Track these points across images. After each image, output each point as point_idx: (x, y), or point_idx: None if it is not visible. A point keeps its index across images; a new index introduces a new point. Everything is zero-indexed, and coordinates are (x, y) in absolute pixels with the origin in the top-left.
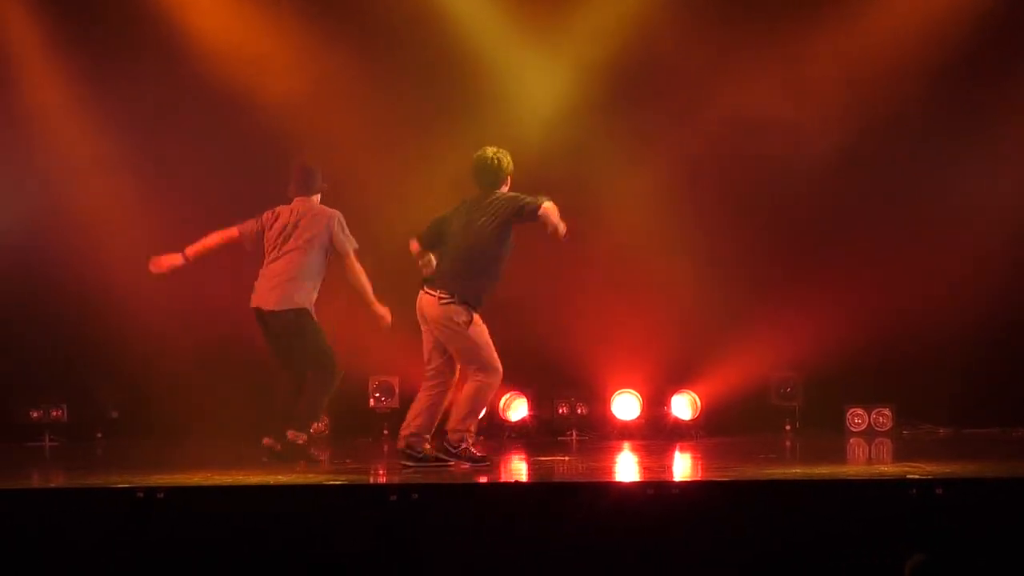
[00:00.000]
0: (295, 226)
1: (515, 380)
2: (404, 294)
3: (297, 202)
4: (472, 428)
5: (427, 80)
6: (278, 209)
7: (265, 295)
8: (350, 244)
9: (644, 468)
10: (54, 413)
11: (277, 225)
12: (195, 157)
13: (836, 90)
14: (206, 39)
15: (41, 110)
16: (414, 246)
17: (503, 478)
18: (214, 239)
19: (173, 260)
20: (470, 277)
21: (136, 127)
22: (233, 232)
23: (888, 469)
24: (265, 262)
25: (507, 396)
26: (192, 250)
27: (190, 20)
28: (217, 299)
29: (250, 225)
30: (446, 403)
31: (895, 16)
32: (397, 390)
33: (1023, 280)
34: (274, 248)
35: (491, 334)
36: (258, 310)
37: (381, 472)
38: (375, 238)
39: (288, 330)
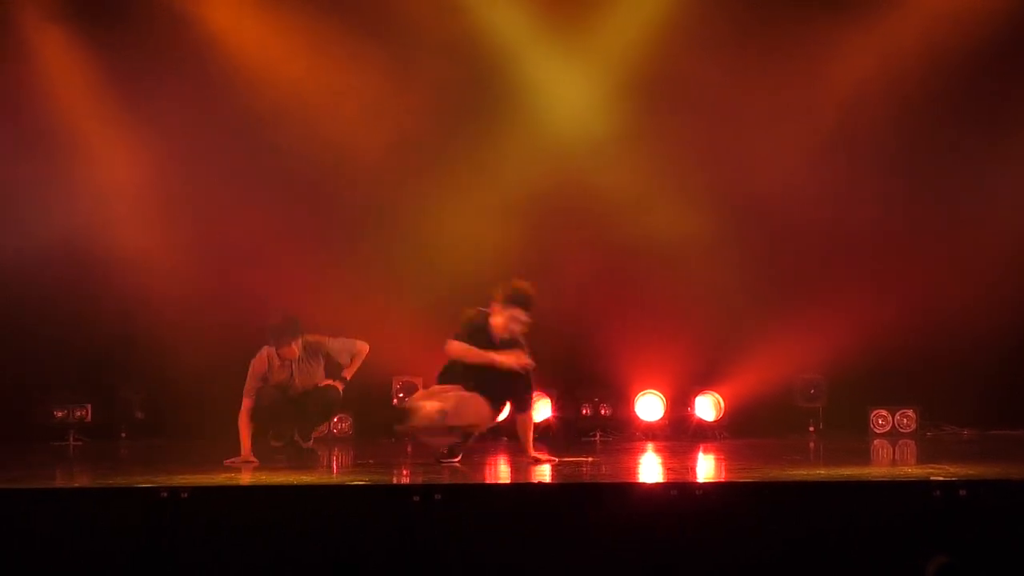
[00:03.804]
0: None
1: (539, 381)
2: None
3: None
4: None
5: (461, 101)
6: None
7: None
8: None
9: (668, 469)
10: (79, 413)
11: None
12: (226, 172)
13: (859, 94)
14: (243, 61)
15: (79, 128)
16: None
17: (527, 479)
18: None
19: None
20: None
21: (171, 142)
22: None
23: (912, 471)
24: None
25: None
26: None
27: (227, 42)
28: (242, 301)
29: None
30: None
31: (925, 18)
32: (421, 390)
33: None
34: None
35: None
36: None
37: (404, 472)
38: (408, 253)
39: None
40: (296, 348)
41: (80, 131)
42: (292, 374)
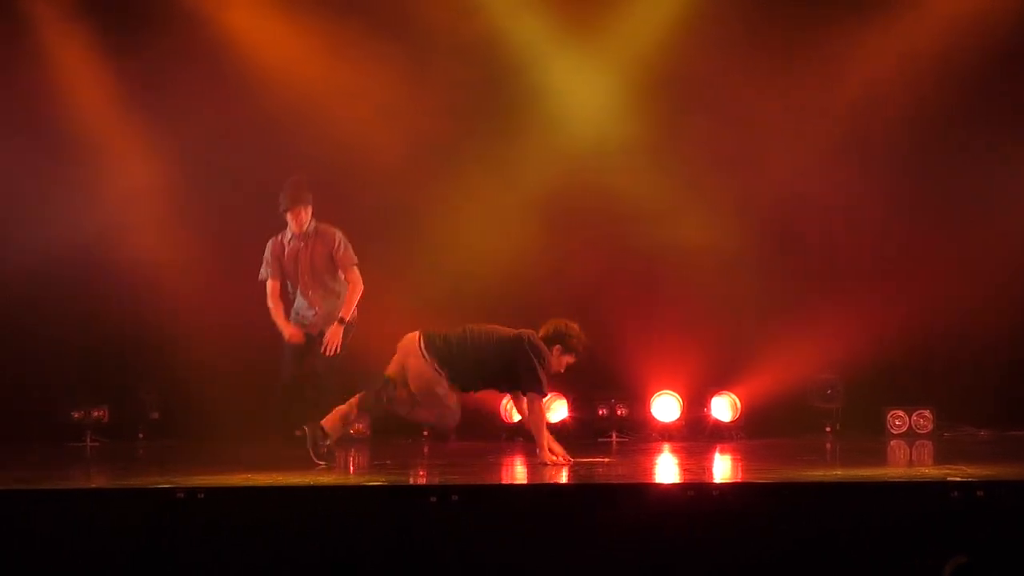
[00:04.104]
0: None
1: (555, 382)
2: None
3: None
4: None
5: (477, 102)
6: None
7: None
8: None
9: (684, 470)
10: (96, 413)
11: None
12: (241, 174)
13: (874, 95)
14: (260, 63)
15: (96, 131)
16: None
17: (543, 480)
18: None
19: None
20: None
21: (188, 144)
22: None
23: (929, 471)
24: None
25: (547, 398)
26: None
27: (244, 44)
28: (258, 303)
29: None
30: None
31: (941, 19)
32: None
33: None
34: None
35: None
36: None
37: (421, 473)
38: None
39: None
40: (305, 216)
41: (97, 133)
42: (298, 257)
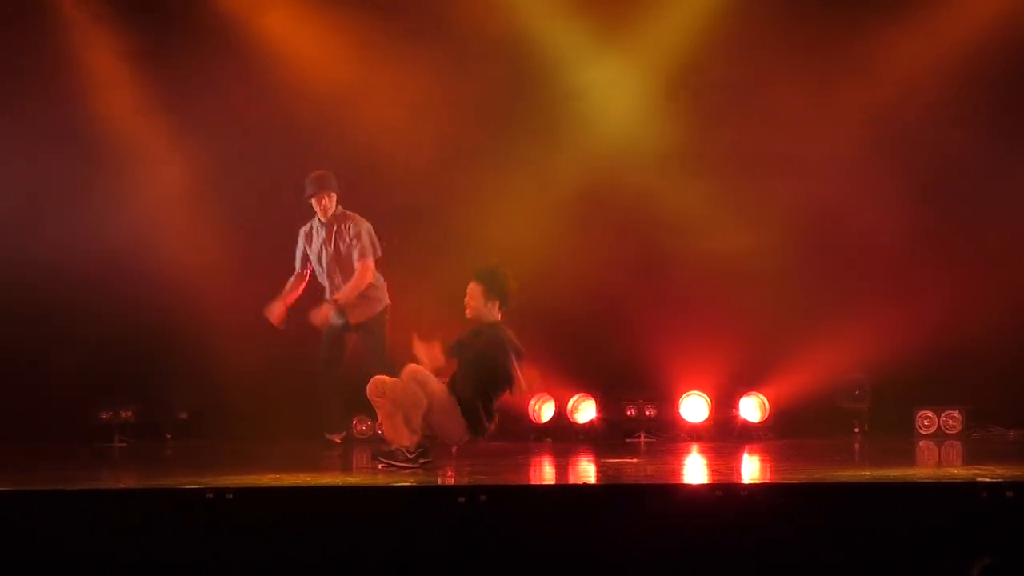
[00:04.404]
0: None
1: (583, 382)
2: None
3: None
4: None
5: (510, 103)
6: None
7: None
8: None
9: (712, 470)
10: (124, 414)
11: None
12: (270, 174)
13: (906, 95)
14: (291, 67)
15: (128, 132)
16: None
17: (571, 480)
18: None
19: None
20: None
21: (220, 148)
22: None
23: (958, 472)
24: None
25: (575, 398)
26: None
27: (274, 48)
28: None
29: None
30: None
31: (975, 20)
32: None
33: None
34: None
35: (561, 337)
36: None
37: (450, 474)
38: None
39: None
40: (329, 203)
41: (129, 137)
42: (323, 244)
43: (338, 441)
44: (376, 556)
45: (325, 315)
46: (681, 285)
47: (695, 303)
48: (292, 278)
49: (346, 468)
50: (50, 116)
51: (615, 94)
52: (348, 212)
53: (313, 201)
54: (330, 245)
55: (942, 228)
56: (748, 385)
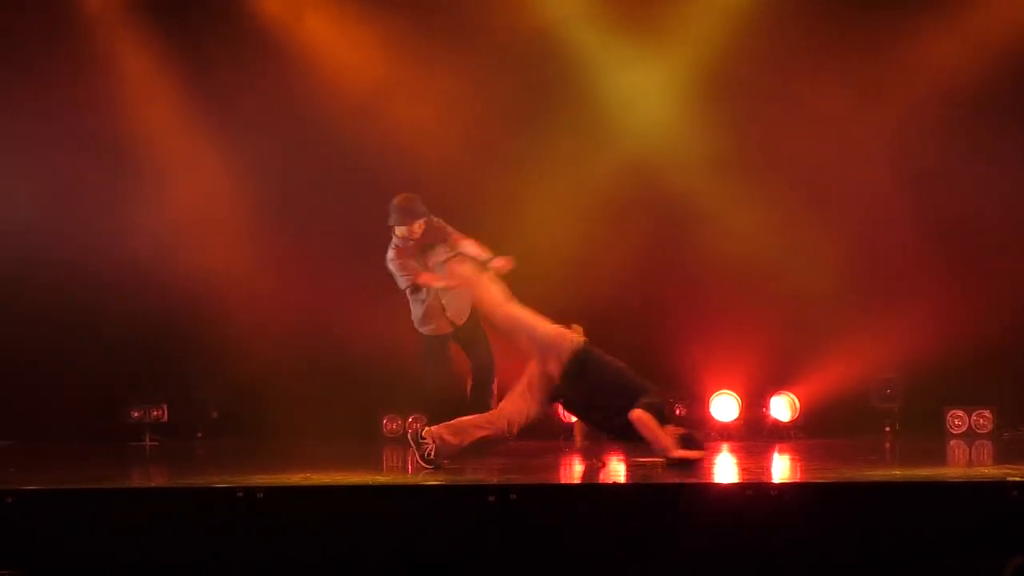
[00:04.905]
0: None
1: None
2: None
3: None
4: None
5: (541, 101)
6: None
7: None
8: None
9: (743, 469)
10: (155, 413)
11: None
12: (298, 176)
13: (940, 92)
14: (323, 64)
15: (159, 136)
16: None
17: (601, 479)
18: None
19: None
20: None
21: (252, 151)
22: None
23: (988, 471)
24: None
25: None
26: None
27: (307, 45)
28: (316, 302)
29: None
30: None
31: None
32: (496, 393)
33: None
34: None
35: (592, 336)
36: None
37: (479, 473)
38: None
39: None
40: (418, 229)
41: (160, 139)
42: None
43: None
44: (406, 554)
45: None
46: (712, 285)
47: (726, 303)
48: (432, 281)
49: (377, 467)
50: (86, 120)
51: (648, 95)
52: (435, 221)
53: (403, 228)
54: (443, 250)
55: (976, 226)
56: (778, 384)
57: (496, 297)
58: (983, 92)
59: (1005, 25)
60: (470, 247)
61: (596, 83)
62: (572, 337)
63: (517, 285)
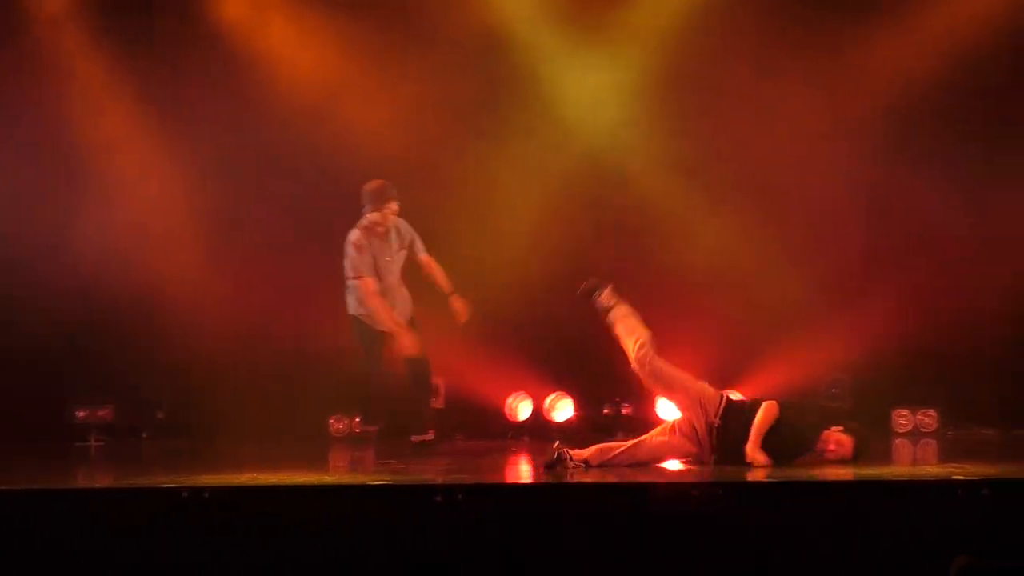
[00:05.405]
0: None
1: (561, 380)
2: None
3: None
4: None
5: (495, 102)
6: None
7: None
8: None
9: (686, 470)
10: (100, 413)
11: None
12: (247, 173)
13: (882, 94)
14: (276, 68)
15: (111, 135)
16: None
17: (546, 479)
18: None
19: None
20: None
21: (204, 152)
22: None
23: (933, 470)
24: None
25: (552, 397)
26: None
27: (261, 49)
28: (263, 302)
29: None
30: None
31: (962, 17)
32: (443, 391)
33: None
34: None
35: (539, 335)
36: None
37: (426, 472)
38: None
39: None
40: (390, 213)
41: (111, 142)
42: (395, 252)
43: (431, 439)
44: (352, 555)
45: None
46: (661, 284)
47: (675, 302)
48: (374, 297)
49: (323, 467)
50: (37, 124)
51: (604, 97)
52: (403, 222)
53: (385, 209)
54: (401, 250)
55: (923, 229)
56: (725, 383)
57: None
58: (937, 99)
59: (961, 30)
60: (437, 274)
61: (551, 84)
62: (712, 393)
63: (470, 289)
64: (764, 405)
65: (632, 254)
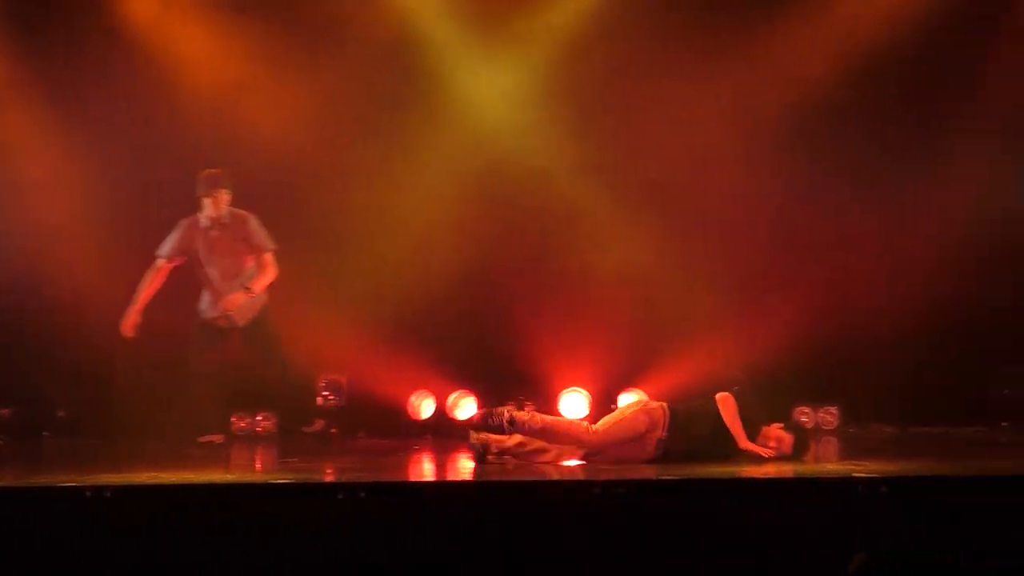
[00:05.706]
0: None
1: (463, 378)
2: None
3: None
4: None
5: (399, 102)
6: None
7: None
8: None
9: (589, 467)
10: (1, 412)
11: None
12: (157, 177)
13: (786, 93)
14: (181, 69)
15: (12, 134)
16: None
17: (449, 477)
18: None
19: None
20: None
21: (106, 146)
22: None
23: (834, 467)
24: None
25: (455, 395)
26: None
27: (167, 51)
28: (164, 301)
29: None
30: None
31: (873, 17)
32: (346, 388)
33: (969, 282)
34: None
35: (441, 332)
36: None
37: (328, 471)
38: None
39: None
40: (222, 201)
41: (10, 140)
42: (216, 244)
43: (219, 442)
44: (256, 553)
45: (237, 302)
46: (564, 282)
47: (577, 300)
48: (150, 272)
49: (225, 465)
50: None
51: (509, 97)
52: (236, 210)
53: (208, 199)
54: (226, 246)
55: (827, 228)
56: (628, 382)
57: (580, 430)
58: (841, 97)
59: (864, 29)
60: (261, 273)
61: (458, 84)
62: (656, 407)
63: (371, 289)
64: (719, 399)
65: (536, 255)
